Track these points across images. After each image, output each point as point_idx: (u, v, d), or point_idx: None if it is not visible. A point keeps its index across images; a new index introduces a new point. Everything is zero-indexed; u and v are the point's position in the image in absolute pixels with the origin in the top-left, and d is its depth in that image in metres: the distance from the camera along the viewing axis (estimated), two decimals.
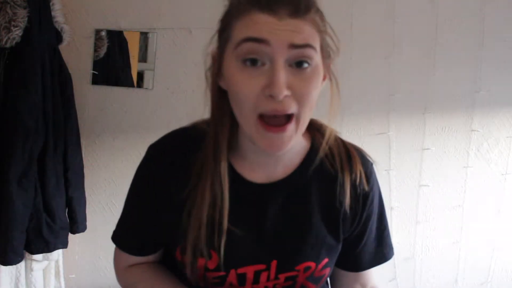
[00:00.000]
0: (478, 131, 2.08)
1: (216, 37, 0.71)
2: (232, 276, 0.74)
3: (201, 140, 0.74)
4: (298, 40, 0.62)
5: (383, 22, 2.08)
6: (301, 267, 0.76)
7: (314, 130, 0.81)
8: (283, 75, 0.62)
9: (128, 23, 2.09)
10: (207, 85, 0.73)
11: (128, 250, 0.84)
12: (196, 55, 2.08)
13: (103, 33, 2.10)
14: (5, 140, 1.68)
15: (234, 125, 0.72)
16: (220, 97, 0.71)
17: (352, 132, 2.10)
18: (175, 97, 2.06)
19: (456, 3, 2.07)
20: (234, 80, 0.64)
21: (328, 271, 0.80)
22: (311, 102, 0.68)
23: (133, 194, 0.83)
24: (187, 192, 0.72)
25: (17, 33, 1.66)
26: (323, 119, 0.84)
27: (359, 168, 0.81)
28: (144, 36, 2.08)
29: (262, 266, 0.74)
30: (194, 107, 2.01)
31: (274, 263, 0.74)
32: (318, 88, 0.70)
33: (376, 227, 0.86)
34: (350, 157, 0.81)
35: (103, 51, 2.10)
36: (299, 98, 0.65)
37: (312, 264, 0.77)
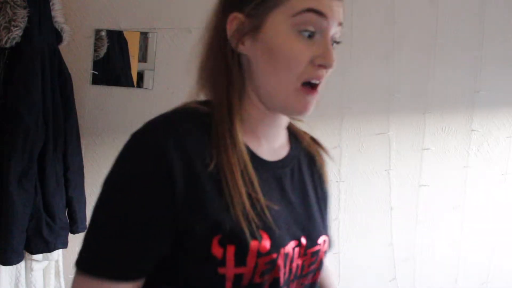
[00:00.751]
0: (478, 131, 2.08)
1: (233, 2, 0.69)
2: (281, 257, 0.66)
3: (203, 118, 0.67)
4: (342, 19, 0.70)
5: (383, 22, 2.08)
6: (321, 240, 0.76)
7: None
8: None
9: (128, 23, 2.09)
10: (215, 51, 0.69)
11: (119, 274, 0.62)
12: (196, 55, 2.08)
13: (103, 33, 2.10)
14: (5, 140, 1.68)
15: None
16: (238, 64, 0.69)
17: (352, 132, 2.10)
18: (175, 97, 2.05)
19: (456, 3, 2.07)
20: (286, 47, 0.65)
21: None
22: None
23: (131, 199, 0.62)
24: (208, 176, 0.63)
25: (17, 33, 1.66)
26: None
27: (323, 147, 0.88)
28: (144, 36, 2.08)
29: (296, 242, 0.70)
30: None
31: (303, 238, 0.72)
32: None
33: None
34: (312, 137, 0.87)
35: (103, 51, 2.10)
36: (329, 72, 0.70)
37: (326, 238, 0.78)
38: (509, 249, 2.10)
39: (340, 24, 0.70)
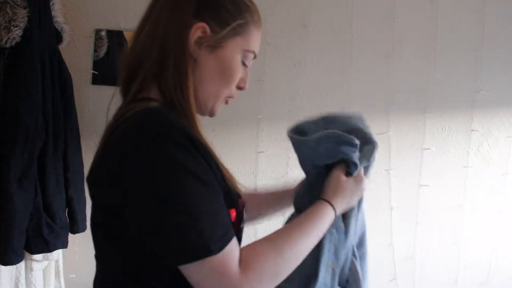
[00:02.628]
0: (478, 131, 2.08)
1: (204, 14, 0.78)
2: (241, 211, 0.83)
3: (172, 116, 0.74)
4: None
5: (383, 22, 2.09)
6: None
7: None
8: None
9: (128, 23, 2.09)
10: (175, 50, 0.77)
11: (230, 235, 0.69)
12: None
13: (103, 33, 2.10)
14: (5, 140, 1.68)
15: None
16: (191, 64, 0.78)
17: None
18: None
19: (456, 3, 2.07)
20: (233, 67, 0.81)
21: None
22: None
23: (191, 176, 0.67)
24: (208, 154, 0.74)
25: (17, 33, 1.66)
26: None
27: None
28: None
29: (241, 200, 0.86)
30: None
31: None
32: None
33: None
34: None
35: (103, 51, 2.10)
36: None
37: None
38: (509, 249, 2.10)
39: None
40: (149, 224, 0.67)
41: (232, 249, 0.68)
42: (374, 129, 2.22)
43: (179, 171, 0.66)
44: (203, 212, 0.66)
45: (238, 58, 0.81)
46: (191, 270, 0.67)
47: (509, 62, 2.07)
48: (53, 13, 1.81)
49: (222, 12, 0.79)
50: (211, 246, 0.65)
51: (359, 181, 1.00)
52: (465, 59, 2.08)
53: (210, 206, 0.68)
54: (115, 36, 2.10)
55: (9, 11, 1.65)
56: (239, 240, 0.80)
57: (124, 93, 0.85)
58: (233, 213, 0.76)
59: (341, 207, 0.90)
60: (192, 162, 0.68)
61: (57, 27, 1.83)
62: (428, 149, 2.09)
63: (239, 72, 0.82)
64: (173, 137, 0.68)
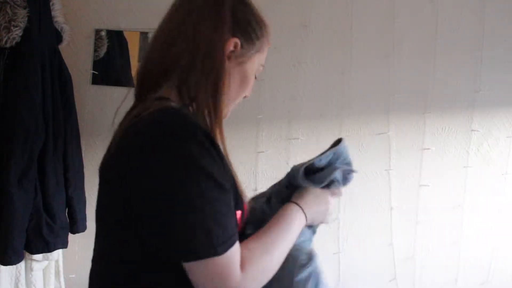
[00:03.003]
0: (478, 131, 2.08)
1: (238, 31, 0.85)
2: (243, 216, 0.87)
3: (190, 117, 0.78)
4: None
5: (383, 22, 2.08)
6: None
7: None
8: None
9: (128, 23, 2.09)
10: (222, 61, 0.82)
11: (235, 239, 0.72)
12: None
13: (103, 33, 2.10)
14: (5, 140, 1.68)
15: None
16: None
17: (352, 132, 2.10)
18: None
19: (456, 3, 2.07)
20: (250, 79, 0.90)
21: None
22: None
23: (205, 176, 0.69)
24: (223, 157, 0.78)
25: (17, 33, 1.66)
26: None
27: None
28: (144, 36, 2.08)
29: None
30: None
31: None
32: None
33: None
34: None
35: (103, 51, 2.10)
36: None
37: None
38: (509, 249, 2.10)
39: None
40: (161, 218, 0.69)
41: (235, 252, 0.71)
42: (374, 129, 2.24)
43: (197, 170, 0.69)
44: (214, 213, 0.69)
45: (253, 71, 0.90)
46: (195, 269, 0.69)
47: (509, 62, 2.07)
48: (53, 13, 1.81)
49: (249, 29, 0.87)
50: (217, 247, 0.68)
51: (334, 196, 1.05)
52: (465, 59, 2.07)
53: (221, 208, 0.70)
54: (115, 36, 2.10)
55: (9, 11, 1.65)
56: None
57: (140, 93, 0.88)
58: (239, 215, 0.80)
59: (311, 217, 0.95)
60: (210, 163, 0.70)
61: (57, 27, 1.83)
62: (428, 149, 2.09)
63: (251, 83, 0.91)
64: (195, 136, 0.70)
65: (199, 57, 0.80)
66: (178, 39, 0.82)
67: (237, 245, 0.72)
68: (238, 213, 0.80)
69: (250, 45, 0.87)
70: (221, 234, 0.69)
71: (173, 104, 0.80)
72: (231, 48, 0.84)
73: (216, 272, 0.68)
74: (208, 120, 0.79)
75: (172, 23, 0.85)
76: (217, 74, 0.81)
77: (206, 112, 0.79)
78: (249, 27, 0.87)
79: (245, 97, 0.93)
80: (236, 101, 0.91)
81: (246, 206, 0.88)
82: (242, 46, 0.85)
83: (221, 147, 0.78)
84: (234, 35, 0.84)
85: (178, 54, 0.81)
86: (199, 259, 0.68)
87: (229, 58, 0.84)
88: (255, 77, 0.92)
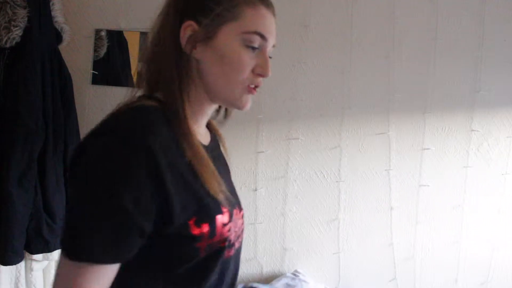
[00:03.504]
0: (478, 131, 2.08)
1: (188, 11, 0.78)
2: (234, 225, 0.81)
3: (160, 114, 0.74)
4: (275, 43, 0.85)
5: (383, 22, 2.09)
6: (243, 208, 0.92)
7: None
8: None
9: (128, 23, 2.09)
10: (169, 54, 0.78)
11: (115, 257, 0.68)
12: None
13: (103, 33, 2.10)
14: (5, 140, 1.68)
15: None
16: (188, 65, 0.79)
17: (352, 132, 2.10)
18: None
19: (456, 3, 2.07)
20: (235, 57, 0.78)
21: None
22: None
23: (123, 188, 0.66)
24: (184, 163, 0.73)
25: (17, 33, 1.66)
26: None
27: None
28: (144, 36, 2.08)
29: (237, 209, 0.85)
30: None
31: (238, 205, 0.87)
32: None
33: None
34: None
35: (103, 51, 2.10)
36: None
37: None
38: (509, 249, 2.10)
39: (274, 46, 0.85)
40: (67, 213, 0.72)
41: (94, 273, 0.67)
42: (374, 129, 2.24)
43: (109, 180, 0.66)
44: (92, 224, 0.66)
45: (235, 43, 0.78)
46: (60, 261, 0.70)
47: (509, 62, 2.07)
48: (53, 13, 1.81)
49: (206, 1, 0.78)
50: (72, 250, 0.67)
51: None
52: (465, 59, 2.07)
53: (102, 223, 0.66)
54: (115, 36, 2.10)
55: (9, 11, 1.65)
56: (216, 259, 0.78)
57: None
58: (205, 228, 0.74)
59: None
60: (126, 181, 0.66)
61: (57, 27, 1.83)
62: (428, 149, 2.09)
63: (242, 57, 0.78)
64: (125, 148, 0.67)
65: (157, 55, 0.80)
66: (150, 39, 0.83)
67: (99, 269, 0.67)
68: (204, 227, 0.73)
69: (210, 18, 0.77)
70: (85, 242, 0.66)
71: (148, 103, 0.76)
72: (189, 33, 0.77)
73: (65, 275, 0.68)
74: (174, 119, 0.75)
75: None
76: (172, 68, 0.77)
77: (171, 113, 0.75)
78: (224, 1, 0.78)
79: (260, 75, 0.80)
80: (235, 84, 0.79)
81: (224, 212, 0.78)
82: (201, 24, 0.77)
83: (188, 150, 0.73)
84: (188, 18, 0.77)
85: (150, 54, 0.82)
86: (64, 251, 0.68)
87: (194, 44, 0.77)
88: (254, 48, 0.79)
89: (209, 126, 0.94)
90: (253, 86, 0.81)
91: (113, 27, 2.09)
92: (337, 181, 2.11)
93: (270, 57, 0.83)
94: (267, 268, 2.13)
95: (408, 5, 2.08)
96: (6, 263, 1.66)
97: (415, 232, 2.11)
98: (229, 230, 0.79)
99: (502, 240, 2.09)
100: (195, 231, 0.73)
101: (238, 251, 0.88)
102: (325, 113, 2.11)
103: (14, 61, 1.70)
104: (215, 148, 0.92)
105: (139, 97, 0.81)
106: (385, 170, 2.10)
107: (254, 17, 0.79)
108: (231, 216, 0.80)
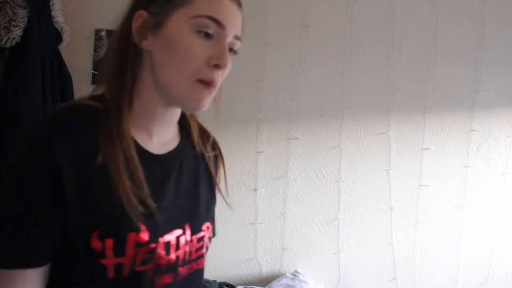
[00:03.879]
0: (478, 131, 2.08)
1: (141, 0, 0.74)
2: (160, 246, 0.72)
3: (91, 113, 0.70)
4: (239, 33, 0.75)
5: (383, 22, 2.09)
6: (205, 226, 0.83)
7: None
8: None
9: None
10: (119, 46, 0.74)
11: (28, 262, 0.66)
12: None
13: (103, 33, 2.10)
14: (5, 140, 1.68)
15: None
16: (138, 58, 0.74)
17: (352, 132, 2.10)
18: None
19: (456, 3, 2.07)
20: (184, 44, 0.70)
21: None
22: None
23: (23, 189, 0.65)
24: (97, 171, 0.67)
25: (17, 33, 1.66)
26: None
27: (218, 146, 0.92)
28: None
29: (179, 231, 0.76)
30: None
31: (187, 226, 0.78)
32: None
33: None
34: (210, 135, 0.91)
35: (103, 51, 2.10)
36: (224, 74, 0.75)
37: (209, 225, 0.85)
38: (509, 249, 2.10)
39: (237, 37, 0.74)
40: None
41: (13, 275, 0.65)
42: (374, 129, 2.24)
43: (8, 184, 0.66)
44: (8, 226, 0.65)
45: (184, 30, 0.70)
46: None
47: (509, 62, 2.07)
48: (53, 13, 1.81)
49: None
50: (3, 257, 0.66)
51: None
52: (465, 59, 2.08)
53: (6, 224, 0.65)
54: None
55: (9, 11, 1.65)
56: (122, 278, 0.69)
57: None
58: (109, 244, 0.67)
59: None
60: (22, 180, 0.65)
61: (57, 27, 1.83)
62: (428, 149, 2.09)
63: (191, 44, 0.70)
64: (26, 146, 0.66)
65: (106, 50, 0.77)
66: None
67: (14, 275, 0.65)
68: (108, 242, 0.67)
69: (159, 4, 0.72)
70: (7, 245, 0.65)
71: (87, 102, 0.72)
72: (138, 24, 0.73)
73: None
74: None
75: None
76: (113, 62, 0.74)
77: (107, 109, 0.71)
78: None
79: (215, 66, 0.71)
80: (183, 78, 0.71)
81: (136, 233, 0.69)
82: (150, 12, 0.72)
83: (104, 153, 0.67)
84: (139, 9, 0.73)
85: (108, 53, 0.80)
86: None
87: (144, 35, 0.73)
88: (208, 35, 0.71)
89: (205, 141, 0.88)
90: (208, 80, 0.72)
91: (113, 27, 2.09)
92: (337, 181, 2.11)
93: (235, 52, 0.75)
94: (267, 268, 2.13)
95: (408, 5, 2.08)
96: None
97: (415, 232, 2.11)
98: (150, 252, 0.70)
99: (502, 240, 2.09)
100: (96, 243, 0.66)
101: (189, 280, 0.78)
102: (325, 113, 2.11)
103: (14, 61, 1.70)
104: (178, 161, 0.81)
105: (89, 95, 0.76)
106: (385, 170, 2.10)
107: (208, 2, 0.71)
108: (154, 237, 0.71)
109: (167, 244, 0.73)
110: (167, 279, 0.73)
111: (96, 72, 2.10)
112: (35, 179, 0.65)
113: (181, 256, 0.76)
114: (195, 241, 0.79)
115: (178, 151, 0.82)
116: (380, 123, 2.10)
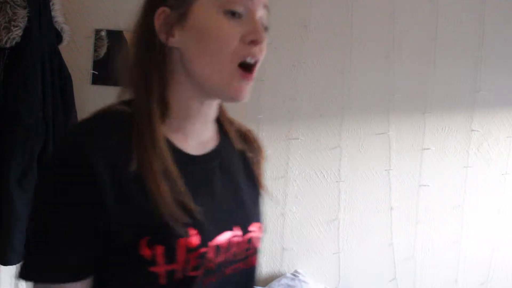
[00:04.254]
0: (478, 131, 2.08)
1: None
2: (211, 250, 0.70)
3: (124, 119, 0.69)
4: (267, 2, 0.71)
5: (383, 22, 2.08)
6: (254, 226, 0.79)
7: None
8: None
9: (128, 23, 2.09)
10: (142, 49, 0.71)
11: (62, 276, 0.64)
12: None
13: (103, 33, 2.10)
14: (5, 140, 1.68)
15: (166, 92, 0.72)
16: (165, 58, 0.71)
17: (352, 132, 2.10)
18: None
19: (456, 3, 2.07)
20: (215, 28, 0.66)
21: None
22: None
23: (62, 203, 0.64)
24: (133, 177, 0.65)
25: (17, 33, 1.66)
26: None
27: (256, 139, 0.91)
28: None
29: (229, 233, 0.74)
30: None
31: (235, 227, 0.75)
32: None
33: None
34: (249, 132, 0.90)
35: (103, 51, 2.10)
36: (262, 52, 0.71)
37: (258, 224, 0.82)
38: (509, 249, 2.10)
39: (266, 7, 0.70)
40: None
41: (49, 284, 0.64)
42: (374, 129, 2.24)
43: (48, 193, 0.65)
44: (37, 239, 0.65)
45: (212, 14, 0.67)
46: None
47: (509, 62, 2.07)
48: (53, 13, 1.81)
49: None
50: (23, 269, 0.65)
51: None
52: (465, 59, 2.08)
53: (45, 237, 0.65)
54: (115, 36, 2.10)
55: (9, 11, 1.65)
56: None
57: None
58: (159, 251, 0.65)
59: None
60: (60, 198, 0.64)
61: (57, 27, 1.83)
62: (428, 149, 2.09)
63: (222, 26, 0.67)
64: (60, 162, 0.64)
65: (132, 49, 0.74)
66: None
67: (53, 282, 0.65)
68: (159, 249, 0.65)
69: None
70: (31, 259, 0.65)
71: (119, 107, 0.71)
72: (161, 21, 0.69)
73: None
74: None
75: None
76: (138, 64, 0.71)
77: (136, 113, 0.69)
78: None
79: (253, 42, 0.68)
80: (223, 64, 0.67)
81: (184, 240, 0.66)
82: (172, 6, 0.69)
83: (138, 160, 0.65)
84: (159, 6, 0.70)
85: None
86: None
87: (170, 31, 0.69)
88: (237, 14, 0.67)
89: (243, 137, 0.86)
90: (249, 62, 0.68)
91: (113, 27, 2.09)
92: (337, 181, 2.11)
93: (265, 28, 0.72)
94: (267, 269, 2.13)
95: (408, 5, 2.08)
96: (6, 263, 1.66)
97: (415, 232, 2.11)
98: (201, 257, 0.68)
99: (502, 240, 2.09)
100: (145, 251, 0.64)
101: (234, 279, 0.76)
102: (325, 113, 2.11)
103: (14, 61, 1.70)
104: (218, 161, 0.78)
105: (119, 101, 0.75)
106: (385, 170, 2.10)
107: None
108: (204, 241, 0.68)
109: (217, 248, 0.71)
110: (213, 278, 0.71)
111: (96, 72, 2.10)
112: (71, 189, 0.63)
113: (229, 258, 0.74)
114: (244, 242, 0.76)
115: (218, 151, 0.79)
116: (380, 123, 2.10)
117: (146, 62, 0.70)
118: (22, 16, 1.66)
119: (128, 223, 0.64)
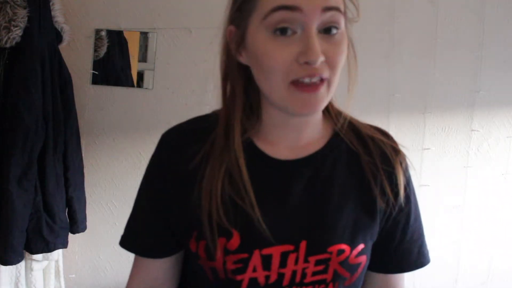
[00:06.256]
0: (478, 131, 2.08)
1: (230, 14, 0.70)
2: (256, 259, 0.66)
3: (211, 124, 0.74)
4: (330, 3, 0.62)
5: (383, 22, 2.08)
6: (333, 249, 0.69)
7: (334, 115, 0.85)
8: (317, 41, 0.62)
9: (128, 23, 2.09)
10: (221, 63, 0.74)
11: (145, 251, 0.77)
12: (196, 55, 2.08)
13: (103, 33, 2.10)
14: (5, 140, 1.68)
15: (253, 102, 0.73)
16: (238, 73, 0.71)
17: None
18: (175, 97, 2.06)
19: (456, 3, 2.07)
20: (264, 51, 0.63)
21: (364, 260, 0.72)
22: (341, 67, 0.69)
23: (144, 186, 0.78)
24: (199, 172, 0.70)
25: (17, 33, 1.66)
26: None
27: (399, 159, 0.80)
28: (144, 36, 2.08)
29: (290, 247, 0.68)
30: (194, 107, 2.01)
31: (303, 244, 0.68)
32: (346, 53, 0.71)
33: (414, 229, 0.86)
34: (378, 134, 0.84)
35: (103, 51, 2.10)
36: (332, 63, 0.66)
37: (346, 248, 0.70)
38: (509, 249, 2.10)
39: (328, 8, 0.62)
40: None
41: (135, 260, 0.80)
42: None
43: (143, 179, 0.79)
44: (133, 215, 0.80)
45: (260, 36, 0.64)
46: None
47: (509, 62, 2.07)
48: (53, 13, 1.81)
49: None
50: (123, 239, 0.79)
51: None
52: (465, 59, 2.07)
53: (138, 214, 0.79)
54: (115, 36, 2.10)
55: (9, 11, 1.65)
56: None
57: None
58: (201, 246, 0.69)
59: None
60: (147, 183, 0.78)
61: (57, 27, 1.83)
62: (428, 149, 2.09)
63: (269, 52, 0.63)
64: (154, 155, 0.78)
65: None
66: None
67: (138, 260, 0.80)
68: (202, 243, 0.69)
69: (238, 16, 0.67)
70: (129, 232, 0.79)
71: (209, 114, 0.79)
72: (230, 39, 0.70)
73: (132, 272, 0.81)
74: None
75: None
76: (222, 78, 0.74)
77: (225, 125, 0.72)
78: None
79: (307, 63, 0.62)
80: (276, 85, 0.64)
81: (224, 240, 0.68)
82: (237, 26, 0.68)
83: (204, 161, 0.70)
84: (229, 24, 0.70)
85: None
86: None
87: (238, 51, 0.69)
88: (284, 33, 0.62)
89: (360, 138, 0.81)
90: (307, 82, 0.63)
91: (113, 27, 2.09)
92: None
93: (336, 28, 0.65)
94: None
95: (408, 5, 2.08)
96: (6, 263, 1.66)
97: None
98: (241, 261, 0.66)
99: (502, 240, 2.09)
100: (192, 245, 0.71)
101: None
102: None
103: (14, 61, 1.70)
104: (311, 168, 0.72)
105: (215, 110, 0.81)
106: None
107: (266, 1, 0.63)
108: (248, 246, 0.66)
109: (267, 258, 0.67)
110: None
111: (96, 72, 2.10)
112: (151, 177, 0.77)
113: (287, 276, 0.67)
114: (312, 263, 0.68)
115: (314, 158, 0.73)
116: (380, 123, 2.08)
117: (224, 77, 0.74)
118: (22, 16, 1.66)
119: (181, 216, 0.73)
